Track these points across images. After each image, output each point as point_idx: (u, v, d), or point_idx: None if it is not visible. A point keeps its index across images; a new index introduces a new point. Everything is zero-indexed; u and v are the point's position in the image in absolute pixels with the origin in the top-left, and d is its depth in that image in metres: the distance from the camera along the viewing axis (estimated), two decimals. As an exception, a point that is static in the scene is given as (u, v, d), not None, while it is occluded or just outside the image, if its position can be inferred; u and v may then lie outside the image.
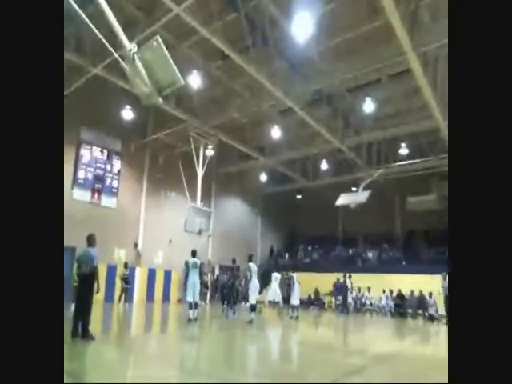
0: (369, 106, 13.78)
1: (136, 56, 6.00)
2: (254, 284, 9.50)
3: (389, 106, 14.75)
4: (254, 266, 9.67)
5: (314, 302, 18.99)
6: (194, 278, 9.04)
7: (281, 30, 10.21)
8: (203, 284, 15.51)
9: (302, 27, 8.95)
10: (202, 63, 12.23)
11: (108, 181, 15.87)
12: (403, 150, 17.94)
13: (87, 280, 6.31)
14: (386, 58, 10.39)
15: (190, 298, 8.97)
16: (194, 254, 9.48)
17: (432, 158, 17.20)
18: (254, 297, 9.47)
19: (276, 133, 16.10)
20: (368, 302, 17.58)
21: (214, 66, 12.43)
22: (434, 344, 9.72)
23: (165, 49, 6.00)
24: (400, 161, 18.25)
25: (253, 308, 9.32)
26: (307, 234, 25.43)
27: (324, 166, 20.02)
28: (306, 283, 19.44)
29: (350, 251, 22.90)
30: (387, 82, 13.05)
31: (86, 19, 5.79)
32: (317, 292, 19.34)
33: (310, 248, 24.83)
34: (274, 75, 11.20)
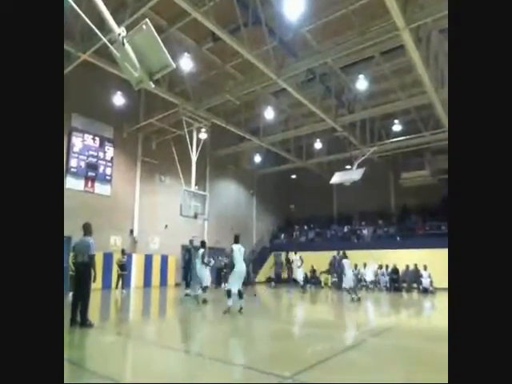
0: (362, 84, 13.65)
1: (125, 40, 5.81)
2: (237, 269, 7.91)
3: (382, 83, 14.62)
4: (238, 249, 8.07)
5: (310, 280, 19.30)
6: (243, 265, 8.06)
7: (272, 8, 9.91)
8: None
9: (294, 5, 8.70)
10: (194, 46, 11.89)
11: (101, 168, 15.61)
12: (396, 127, 17.95)
13: (84, 269, 6.34)
14: (378, 34, 10.19)
15: (236, 288, 7.96)
16: (237, 239, 8.27)
17: (425, 133, 17.23)
18: (235, 283, 7.93)
19: (269, 114, 15.93)
20: (364, 278, 17.91)
21: (205, 49, 12.10)
22: (428, 316, 10.02)
23: (155, 32, 5.80)
24: (393, 137, 18.27)
25: (228, 294, 7.94)
26: (303, 213, 25.62)
27: (318, 145, 19.99)
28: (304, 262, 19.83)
29: (346, 229, 23.17)
30: (380, 59, 12.87)
31: (74, 4, 5.54)
32: (313, 270, 19.66)
33: (305, 227, 25.05)
34: (267, 56, 10.95)
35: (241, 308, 7.86)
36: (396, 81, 14.26)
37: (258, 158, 22.31)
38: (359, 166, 18.04)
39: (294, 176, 25.64)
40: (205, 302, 9.76)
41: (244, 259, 8.20)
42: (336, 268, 16.99)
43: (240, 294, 7.96)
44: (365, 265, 18.03)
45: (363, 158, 18.14)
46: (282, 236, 25.22)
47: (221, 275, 16.49)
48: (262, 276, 22.57)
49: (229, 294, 7.96)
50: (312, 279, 19.28)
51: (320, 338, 5.83)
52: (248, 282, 10.01)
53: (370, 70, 13.49)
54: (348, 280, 12.10)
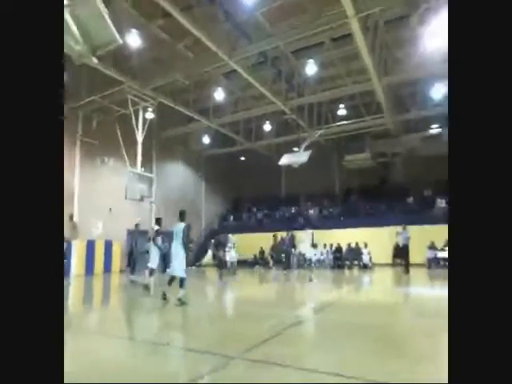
0: (311, 69, 13.82)
1: (66, 9, 5.19)
2: (174, 251, 6.99)
3: (330, 68, 14.93)
4: (179, 228, 7.03)
5: (258, 261, 19.75)
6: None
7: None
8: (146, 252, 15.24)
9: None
10: (143, 21, 11.04)
11: (34, 148, 14.20)
12: (341, 111, 18.57)
13: None
14: (329, 21, 10.32)
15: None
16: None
17: (366, 118, 18.08)
18: (176, 267, 6.97)
19: (220, 95, 15.56)
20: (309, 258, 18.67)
21: (155, 25, 11.30)
22: (365, 290, 10.80)
23: (100, 3, 5.27)
24: (338, 121, 18.92)
25: (170, 282, 7.16)
26: (251, 195, 25.84)
27: (267, 127, 20.07)
28: (251, 243, 20.19)
29: (293, 210, 23.85)
30: (330, 45, 13.09)
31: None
32: (262, 251, 20.10)
33: (254, 209, 25.35)
34: (219, 36, 10.55)
35: (164, 296, 7.08)
36: (343, 67, 14.65)
37: (206, 140, 21.83)
38: (306, 149, 18.52)
39: (242, 158, 25.60)
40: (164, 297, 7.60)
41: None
42: (284, 248, 17.58)
43: (170, 281, 7.21)
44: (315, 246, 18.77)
45: (310, 140, 18.63)
46: (232, 218, 25.30)
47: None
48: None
49: (170, 281, 7.19)
50: (260, 260, 19.74)
51: (266, 316, 5.97)
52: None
53: (319, 56, 13.68)
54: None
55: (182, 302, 6.75)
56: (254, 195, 25.73)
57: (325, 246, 18.51)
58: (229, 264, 14.46)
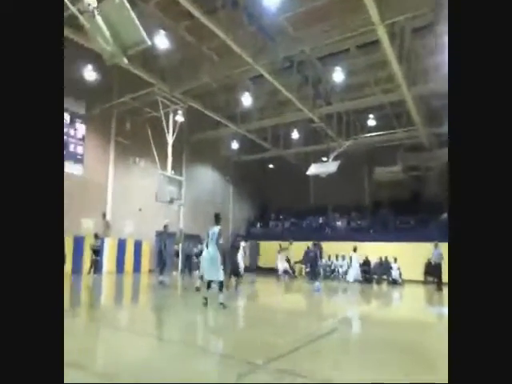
0: (338, 76, 13.77)
1: (96, 12, 5.62)
2: (211, 255, 6.91)
3: (357, 76, 14.81)
4: (214, 231, 6.98)
5: (285, 270, 19.55)
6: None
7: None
8: (174, 254, 15.63)
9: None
10: (170, 23, 11.59)
11: (72, 146, 15.09)
12: (371, 122, 18.28)
13: None
14: (355, 28, 10.34)
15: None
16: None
17: (398, 130, 17.66)
18: (214, 271, 6.93)
19: (247, 100, 15.84)
20: (337, 269, 18.25)
21: (182, 28, 11.83)
22: (396, 306, 10.38)
23: (128, 5, 5.65)
24: (368, 132, 18.61)
25: (208, 285, 7.23)
26: (279, 202, 25.83)
27: (295, 135, 20.09)
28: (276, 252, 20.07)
29: (321, 220, 23.54)
30: (356, 53, 13.03)
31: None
32: (288, 260, 19.89)
33: (281, 217, 25.29)
34: (244, 40, 10.85)
35: (206, 301, 7.06)
36: (371, 75, 14.48)
37: (235, 145, 22.16)
38: (335, 159, 18.36)
39: (271, 165, 25.74)
40: (198, 289, 8.71)
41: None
42: (310, 258, 17.29)
43: (208, 285, 7.25)
44: (336, 256, 18.39)
45: (339, 150, 18.46)
46: (259, 225, 25.37)
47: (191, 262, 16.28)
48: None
49: (208, 285, 7.25)
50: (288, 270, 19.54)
51: (293, 326, 5.88)
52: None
53: (346, 63, 13.64)
54: (353, 273, 11.73)
55: (224, 306, 6.77)
56: (281, 203, 25.68)
57: (343, 257, 18.05)
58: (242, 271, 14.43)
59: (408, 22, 10.81)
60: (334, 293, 11.26)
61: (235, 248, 10.19)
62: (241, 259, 10.50)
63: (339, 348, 4.57)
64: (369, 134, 18.63)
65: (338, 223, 22.57)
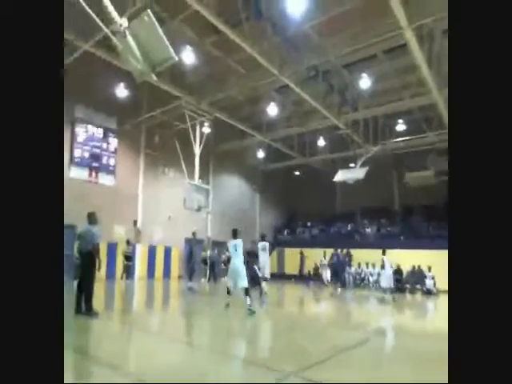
0: (365, 82, 13.65)
1: (127, 31, 5.94)
2: (238, 266, 7.39)
3: (385, 81, 14.60)
4: (238, 244, 7.53)
5: (313, 277, 19.42)
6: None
7: (275, 3, 9.95)
8: (202, 261, 15.86)
9: (297, 0, 8.73)
10: (196, 39, 11.97)
11: (105, 159, 15.85)
12: (400, 126, 17.89)
13: (89, 257, 6.35)
14: (381, 33, 10.22)
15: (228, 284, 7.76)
16: (234, 234, 7.75)
17: (429, 134, 17.16)
18: (240, 281, 7.33)
19: (272, 110, 16.00)
20: (367, 278, 17.82)
21: (207, 42, 12.18)
22: (431, 317, 9.99)
23: (156, 23, 5.93)
24: (397, 137, 18.22)
25: (228, 291, 7.65)
26: (306, 210, 25.68)
27: (321, 142, 20.02)
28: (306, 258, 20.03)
29: (349, 227, 23.19)
30: (383, 58, 12.87)
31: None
32: (316, 267, 19.72)
33: (308, 224, 25.12)
34: (269, 51, 11.01)
35: (227, 304, 7.49)
36: (399, 80, 14.23)
37: (261, 154, 22.37)
38: (363, 165, 18.07)
39: (297, 172, 25.70)
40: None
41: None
42: (336, 265, 17.04)
43: (228, 291, 7.59)
44: (367, 264, 17.98)
45: (367, 156, 18.17)
46: (286, 232, 25.32)
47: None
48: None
49: (227, 291, 7.64)
50: (314, 276, 19.38)
51: (323, 335, 5.80)
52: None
53: (373, 69, 13.49)
54: (387, 278, 11.62)
55: (251, 311, 7.04)
56: (308, 210, 25.51)
57: (382, 266, 17.54)
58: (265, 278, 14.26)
59: (437, 24, 10.56)
60: (365, 302, 10.94)
61: (252, 255, 10.10)
62: (265, 263, 10.29)
63: (372, 360, 4.42)
64: (398, 139, 18.24)
65: (367, 230, 22.13)
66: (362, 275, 18.06)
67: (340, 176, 18.46)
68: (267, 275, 10.02)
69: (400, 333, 6.57)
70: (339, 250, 17.35)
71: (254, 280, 9.37)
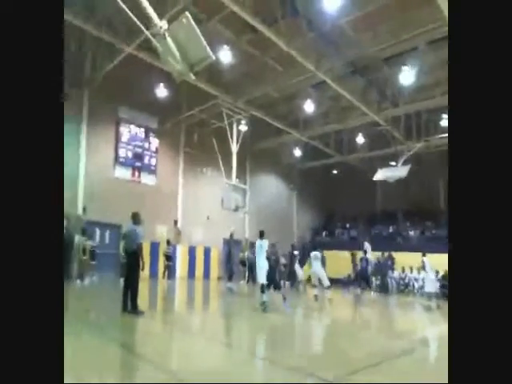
0: (406, 76, 13.04)
1: (167, 33, 6.11)
2: (261, 263, 8.09)
3: (428, 74, 13.90)
4: (260, 245, 8.22)
5: (353, 281, 18.82)
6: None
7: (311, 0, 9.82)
8: (240, 262, 15.92)
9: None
10: (233, 37, 12.09)
11: (147, 158, 16.32)
12: (445, 122, 16.95)
13: (134, 256, 6.50)
14: (423, 24, 9.75)
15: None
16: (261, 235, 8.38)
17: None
18: (261, 276, 8.00)
19: (309, 107, 15.79)
20: (412, 283, 16.97)
21: (244, 40, 12.27)
22: None
23: (194, 25, 6.04)
24: (442, 133, 17.27)
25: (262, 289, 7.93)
26: (345, 210, 25.05)
27: (360, 139, 19.41)
28: (344, 262, 19.44)
29: (391, 229, 22.31)
30: (426, 50, 12.25)
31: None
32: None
33: (347, 225, 24.49)
34: (306, 48, 10.89)
35: (263, 303, 7.58)
36: (443, 72, 13.47)
37: (298, 152, 22.12)
38: (405, 163, 17.34)
39: (335, 171, 25.14)
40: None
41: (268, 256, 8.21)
42: (379, 270, 16.43)
43: (262, 289, 7.78)
44: (411, 268, 17.13)
45: (409, 153, 17.41)
46: (324, 233, 24.85)
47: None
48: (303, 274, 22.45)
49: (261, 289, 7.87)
50: (354, 280, 18.78)
51: (366, 341, 5.61)
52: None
53: (414, 61, 12.88)
54: (431, 283, 10.90)
55: (264, 306, 7.38)
56: (347, 210, 24.84)
57: (419, 269, 16.67)
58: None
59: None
60: (409, 308, 10.33)
61: (273, 260, 9.94)
62: (320, 271, 10.40)
63: (418, 371, 4.10)
64: (443, 135, 17.30)
65: (411, 232, 21.17)
66: (406, 280, 17.21)
67: (380, 175, 17.85)
68: (327, 283, 10.12)
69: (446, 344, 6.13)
70: (380, 253, 16.75)
71: (275, 285, 8.87)
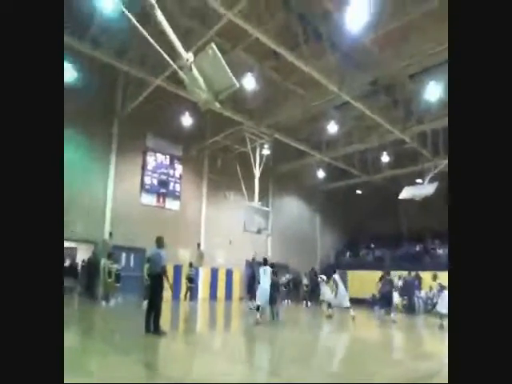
0: (432, 92, 12.78)
1: (193, 65, 6.28)
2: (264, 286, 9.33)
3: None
4: (264, 270, 9.58)
5: (378, 301, 18.19)
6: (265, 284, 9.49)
7: (333, 21, 9.89)
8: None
9: (357, 14, 8.56)
10: (256, 64, 12.32)
11: (171, 185, 16.72)
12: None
13: (157, 279, 6.66)
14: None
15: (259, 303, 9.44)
16: (265, 262, 9.97)
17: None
18: (261, 298, 9.26)
19: (332, 128, 15.74)
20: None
21: (267, 66, 12.46)
22: None
23: (219, 55, 6.19)
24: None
25: (257, 308, 9.25)
26: (369, 230, 24.49)
27: (385, 158, 19.10)
28: (369, 281, 18.86)
29: (418, 247, 21.59)
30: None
31: (146, 34, 6.18)
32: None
33: (372, 245, 23.89)
34: (328, 69, 10.92)
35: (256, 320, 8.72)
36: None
37: (320, 173, 22.00)
38: (432, 180, 16.89)
39: (359, 191, 24.74)
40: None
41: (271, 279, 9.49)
42: (406, 290, 15.87)
43: (257, 308, 9.11)
44: (441, 287, 16.41)
45: (436, 171, 16.96)
46: (348, 253, 24.32)
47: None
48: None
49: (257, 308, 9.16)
50: (379, 300, 18.14)
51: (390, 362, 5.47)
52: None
53: (441, 76, 12.65)
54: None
55: (258, 323, 8.57)
56: (372, 230, 24.29)
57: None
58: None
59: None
60: (437, 329, 9.89)
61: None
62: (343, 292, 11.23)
63: None
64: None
65: (439, 251, 20.38)
66: (435, 300, 16.49)
67: (406, 193, 17.45)
68: (347, 304, 11.00)
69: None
70: (406, 273, 16.17)
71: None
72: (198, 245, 17.24)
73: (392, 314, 11.46)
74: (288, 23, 9.61)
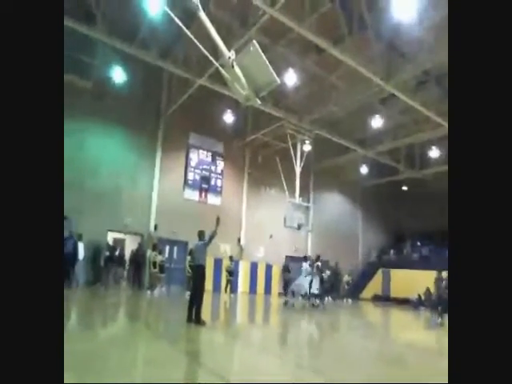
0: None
1: (234, 63, 6.34)
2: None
3: None
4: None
5: (424, 303, 17.44)
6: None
7: (379, 11, 9.46)
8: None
9: (405, 2, 8.13)
10: (297, 60, 12.17)
11: (213, 181, 17.14)
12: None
13: (199, 272, 6.85)
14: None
15: None
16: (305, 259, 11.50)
17: None
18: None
19: (377, 122, 15.20)
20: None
21: (309, 61, 12.25)
22: None
23: (261, 52, 6.18)
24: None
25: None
26: (415, 227, 23.44)
27: (434, 153, 18.10)
28: (414, 281, 18.13)
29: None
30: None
31: (189, 33, 6.33)
32: (428, 292, 17.69)
33: (418, 243, 22.86)
34: (373, 61, 10.51)
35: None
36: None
37: (364, 169, 21.35)
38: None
39: (404, 187, 23.71)
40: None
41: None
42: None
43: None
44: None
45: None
46: (392, 251, 23.48)
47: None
48: (368, 292, 21.41)
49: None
50: (426, 302, 17.37)
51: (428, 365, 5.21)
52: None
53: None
54: None
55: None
56: (417, 228, 23.21)
57: None
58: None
59: None
60: None
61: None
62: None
63: None
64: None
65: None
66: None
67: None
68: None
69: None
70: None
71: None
72: (239, 239, 17.52)
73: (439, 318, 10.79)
74: (330, 15, 9.35)
